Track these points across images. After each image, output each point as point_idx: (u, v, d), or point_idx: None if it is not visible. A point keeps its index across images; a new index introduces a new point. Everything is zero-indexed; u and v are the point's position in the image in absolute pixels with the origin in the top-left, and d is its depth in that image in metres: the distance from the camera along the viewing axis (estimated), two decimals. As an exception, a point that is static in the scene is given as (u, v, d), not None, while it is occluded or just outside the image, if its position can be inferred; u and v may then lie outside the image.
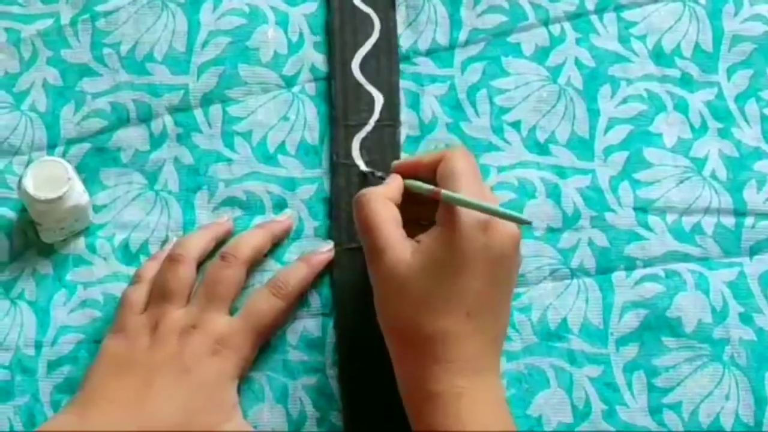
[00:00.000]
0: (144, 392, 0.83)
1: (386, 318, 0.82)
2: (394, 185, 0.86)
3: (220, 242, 0.91)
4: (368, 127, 0.94)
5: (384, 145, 0.94)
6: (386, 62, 0.94)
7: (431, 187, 0.83)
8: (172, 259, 0.88)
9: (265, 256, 0.91)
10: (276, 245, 0.92)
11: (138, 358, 0.85)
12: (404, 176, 0.87)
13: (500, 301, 0.82)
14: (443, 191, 0.81)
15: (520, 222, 0.80)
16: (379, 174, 0.91)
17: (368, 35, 0.97)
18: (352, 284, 0.91)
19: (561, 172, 0.93)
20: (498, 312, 0.82)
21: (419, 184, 0.85)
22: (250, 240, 0.90)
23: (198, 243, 0.89)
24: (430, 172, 0.85)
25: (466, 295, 0.79)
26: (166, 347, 0.85)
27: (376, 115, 0.95)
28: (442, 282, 0.79)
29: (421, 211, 0.85)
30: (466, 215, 0.78)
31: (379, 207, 0.82)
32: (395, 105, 0.95)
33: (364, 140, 0.94)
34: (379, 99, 0.95)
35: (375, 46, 0.96)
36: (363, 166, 0.93)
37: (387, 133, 0.95)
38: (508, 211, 0.80)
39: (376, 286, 0.82)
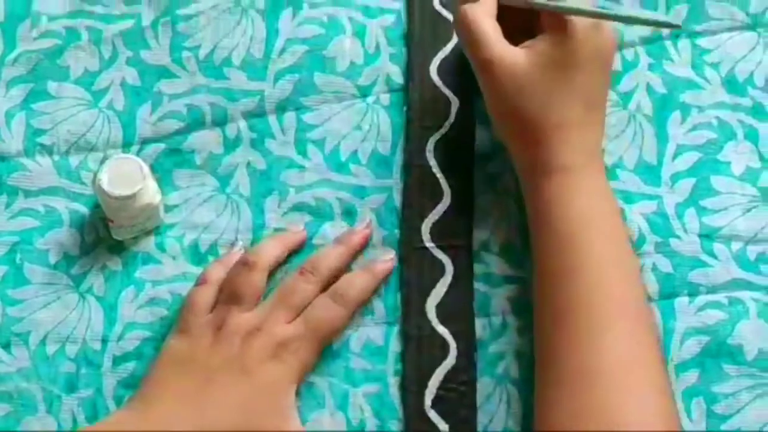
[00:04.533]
0: (204, 391, 0.85)
1: (504, 117, 0.89)
2: (489, 1, 0.90)
3: (293, 250, 0.92)
4: (443, 130, 0.95)
5: (459, 149, 0.95)
6: (464, 67, 0.95)
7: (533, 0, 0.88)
8: (245, 264, 0.89)
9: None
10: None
11: (200, 357, 0.86)
12: None
13: (605, 99, 0.90)
14: (547, 2, 0.87)
15: (666, 26, 0.89)
16: None
17: (447, 40, 0.98)
18: (420, 284, 0.91)
19: (627, 197, 0.94)
20: (604, 109, 0.90)
21: None
22: (331, 259, 0.91)
23: (272, 251, 0.91)
24: None
25: (583, 90, 0.86)
26: (228, 348, 0.86)
27: (452, 118, 0.95)
28: (560, 79, 0.86)
29: (514, 27, 0.89)
30: (578, 20, 0.85)
31: (479, 19, 0.87)
32: (471, 109, 0.95)
33: (438, 142, 0.95)
34: (455, 102, 0.96)
35: (453, 50, 0.97)
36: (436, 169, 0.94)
37: (462, 136, 0.95)
38: (649, 17, 0.92)
39: (491, 93, 0.88)
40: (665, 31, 0.98)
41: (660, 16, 0.97)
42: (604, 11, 0.88)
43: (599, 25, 0.87)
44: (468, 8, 0.89)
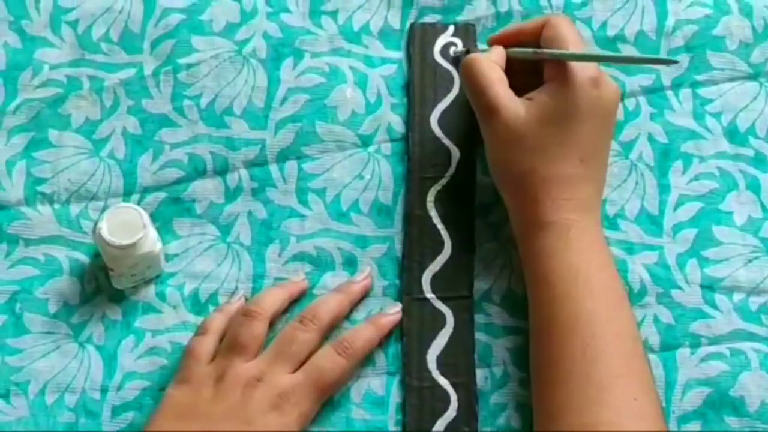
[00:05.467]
0: (205, 443, 0.83)
1: (501, 167, 0.89)
2: (497, 51, 0.92)
3: (294, 300, 0.92)
4: (444, 180, 0.95)
5: (459, 199, 0.95)
6: (464, 118, 0.95)
7: (542, 50, 0.89)
8: (247, 315, 0.89)
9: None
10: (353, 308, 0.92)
11: (201, 408, 0.86)
12: (504, 46, 0.92)
13: (606, 150, 0.90)
14: (562, 50, 0.88)
15: (664, 62, 0.90)
16: (477, 51, 0.95)
17: (448, 90, 0.98)
18: (420, 335, 0.91)
19: (629, 247, 0.94)
20: (604, 160, 0.90)
21: (523, 49, 0.91)
22: (331, 307, 0.91)
23: (274, 301, 0.91)
24: (534, 39, 0.91)
25: (579, 143, 0.87)
26: (229, 399, 0.86)
27: (452, 169, 0.95)
28: (557, 132, 0.86)
29: (520, 81, 0.90)
30: (579, 71, 0.86)
31: (486, 69, 0.89)
32: (472, 160, 0.95)
33: (439, 193, 0.95)
34: (455, 153, 0.96)
35: (454, 101, 0.97)
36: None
37: (463, 187, 0.95)
38: (647, 56, 0.92)
39: (490, 141, 0.89)
40: (667, 82, 0.98)
41: (657, 56, 0.97)
42: (601, 54, 0.90)
43: (601, 77, 0.88)
44: (476, 56, 0.90)
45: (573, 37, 0.90)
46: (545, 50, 0.89)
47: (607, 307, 0.84)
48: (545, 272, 0.86)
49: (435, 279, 0.92)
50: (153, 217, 0.93)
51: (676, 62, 0.88)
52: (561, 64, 0.88)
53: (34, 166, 0.95)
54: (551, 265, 0.85)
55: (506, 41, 0.94)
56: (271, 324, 0.91)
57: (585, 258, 0.86)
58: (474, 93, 0.90)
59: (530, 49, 0.90)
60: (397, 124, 0.97)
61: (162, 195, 0.95)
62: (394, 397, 0.90)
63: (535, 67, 0.90)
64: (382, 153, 0.96)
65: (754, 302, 0.92)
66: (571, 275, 0.84)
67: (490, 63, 0.90)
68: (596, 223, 0.88)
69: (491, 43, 0.95)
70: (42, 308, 0.92)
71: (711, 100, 0.98)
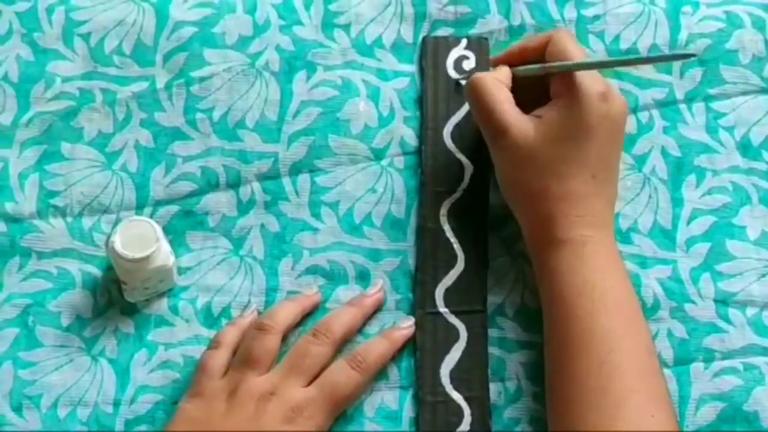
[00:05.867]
0: (219, 457, 0.83)
1: (512, 186, 0.89)
2: (503, 71, 0.92)
3: (307, 314, 0.92)
4: (457, 194, 0.95)
5: (472, 212, 0.95)
6: (477, 131, 0.94)
7: (549, 64, 0.89)
8: (260, 328, 0.89)
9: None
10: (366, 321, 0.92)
11: (214, 422, 0.86)
12: (510, 66, 0.92)
13: (617, 163, 0.89)
14: (570, 61, 0.88)
15: (681, 58, 0.88)
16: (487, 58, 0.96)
17: (461, 104, 0.98)
18: (433, 349, 0.91)
19: (642, 261, 0.94)
20: (616, 173, 0.90)
21: (529, 66, 0.90)
22: (344, 321, 0.91)
23: (287, 315, 0.90)
24: (538, 55, 0.91)
25: (590, 159, 0.86)
26: (243, 413, 0.86)
27: (465, 183, 0.95)
28: (567, 149, 0.86)
29: (527, 98, 0.90)
30: (586, 86, 0.86)
31: (493, 89, 0.88)
32: (485, 173, 0.95)
33: (452, 207, 0.94)
34: (468, 167, 0.96)
35: (467, 115, 0.97)
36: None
37: (476, 200, 0.95)
38: (660, 54, 0.92)
39: (500, 162, 0.89)
40: (680, 95, 0.98)
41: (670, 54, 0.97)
42: (611, 59, 0.90)
43: (608, 91, 0.87)
44: (482, 76, 0.90)
45: (578, 51, 0.90)
46: (553, 64, 0.89)
47: (622, 322, 0.84)
48: (560, 289, 0.85)
49: (448, 293, 0.92)
50: (165, 230, 0.93)
51: (694, 56, 0.86)
52: (568, 79, 0.87)
53: (46, 179, 0.95)
54: (566, 281, 0.85)
55: (511, 60, 0.94)
56: (284, 338, 0.90)
57: (600, 273, 0.85)
58: (481, 113, 0.90)
59: (537, 65, 0.90)
60: (410, 137, 0.97)
61: (174, 208, 0.95)
62: (408, 411, 0.90)
63: (541, 84, 0.90)
64: (395, 166, 0.96)
65: (768, 316, 0.92)
66: (587, 291, 0.84)
67: (496, 82, 0.90)
68: (610, 237, 0.88)
69: (496, 63, 0.95)
70: (55, 321, 0.92)
71: (724, 114, 0.98)
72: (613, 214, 0.90)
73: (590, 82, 0.87)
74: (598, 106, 0.86)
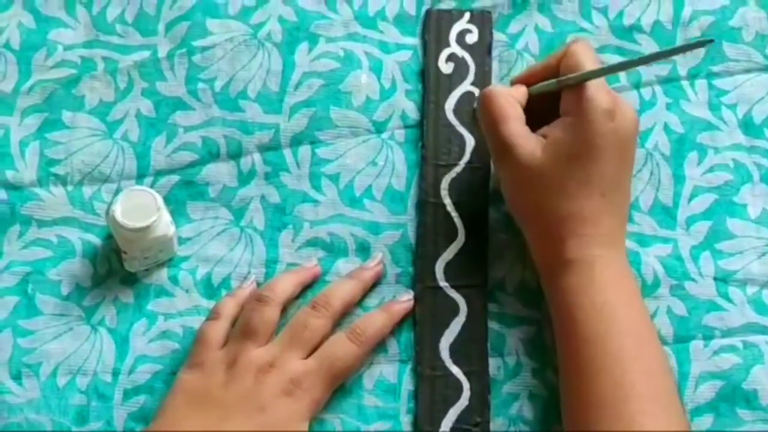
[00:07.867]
0: (218, 428, 0.84)
1: (520, 205, 0.88)
2: (519, 89, 0.90)
3: (306, 286, 0.92)
4: (458, 168, 0.95)
5: (473, 187, 0.95)
6: (479, 105, 0.94)
7: (563, 77, 0.87)
8: (259, 300, 0.89)
9: (351, 304, 0.92)
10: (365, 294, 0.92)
11: (213, 393, 0.86)
12: (528, 86, 0.91)
13: (627, 180, 0.88)
14: (576, 74, 0.86)
15: (699, 45, 0.84)
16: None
17: (462, 78, 0.97)
18: (433, 323, 0.91)
19: (642, 240, 0.94)
20: (626, 190, 0.88)
21: (545, 82, 0.89)
22: (343, 293, 0.90)
23: (286, 287, 0.90)
24: (556, 73, 0.89)
25: (599, 178, 0.84)
26: (242, 384, 0.86)
27: (466, 157, 0.95)
28: (575, 169, 0.84)
29: (541, 119, 0.88)
30: (592, 105, 0.84)
31: (505, 104, 0.87)
32: (486, 148, 0.94)
33: (453, 181, 0.94)
34: (470, 141, 0.96)
35: (468, 90, 0.97)
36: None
37: (476, 175, 0.95)
38: (675, 46, 0.91)
39: (506, 179, 0.88)
40: (682, 72, 0.98)
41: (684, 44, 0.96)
42: (627, 61, 0.87)
43: (616, 108, 0.85)
44: (496, 89, 0.89)
45: (593, 63, 0.87)
46: (568, 76, 0.87)
47: (635, 343, 0.83)
48: (571, 310, 0.85)
49: (448, 267, 0.92)
50: (166, 200, 0.92)
51: (711, 42, 0.83)
52: (575, 97, 0.86)
53: (47, 147, 0.95)
54: (577, 302, 0.84)
55: (530, 80, 0.92)
56: (284, 310, 0.90)
57: (611, 294, 0.84)
58: (489, 126, 0.88)
59: (553, 80, 0.89)
60: (412, 110, 0.97)
61: (175, 178, 0.95)
62: (407, 385, 0.90)
63: (555, 104, 0.88)
64: (396, 139, 0.96)
65: (768, 295, 0.92)
66: (596, 312, 0.83)
67: (509, 98, 0.88)
68: (621, 255, 0.87)
69: (514, 82, 0.93)
70: (54, 290, 0.92)
71: (726, 92, 0.98)
72: (624, 231, 0.89)
73: (597, 100, 0.85)
74: (604, 124, 0.84)
